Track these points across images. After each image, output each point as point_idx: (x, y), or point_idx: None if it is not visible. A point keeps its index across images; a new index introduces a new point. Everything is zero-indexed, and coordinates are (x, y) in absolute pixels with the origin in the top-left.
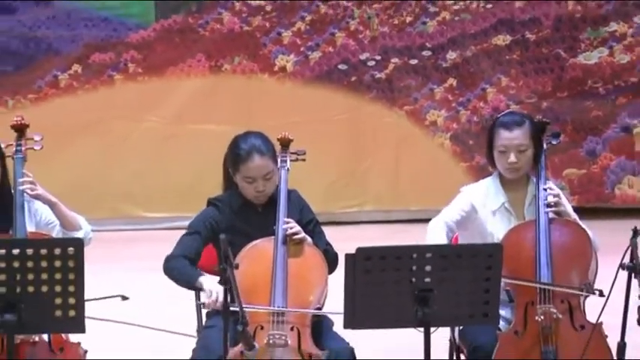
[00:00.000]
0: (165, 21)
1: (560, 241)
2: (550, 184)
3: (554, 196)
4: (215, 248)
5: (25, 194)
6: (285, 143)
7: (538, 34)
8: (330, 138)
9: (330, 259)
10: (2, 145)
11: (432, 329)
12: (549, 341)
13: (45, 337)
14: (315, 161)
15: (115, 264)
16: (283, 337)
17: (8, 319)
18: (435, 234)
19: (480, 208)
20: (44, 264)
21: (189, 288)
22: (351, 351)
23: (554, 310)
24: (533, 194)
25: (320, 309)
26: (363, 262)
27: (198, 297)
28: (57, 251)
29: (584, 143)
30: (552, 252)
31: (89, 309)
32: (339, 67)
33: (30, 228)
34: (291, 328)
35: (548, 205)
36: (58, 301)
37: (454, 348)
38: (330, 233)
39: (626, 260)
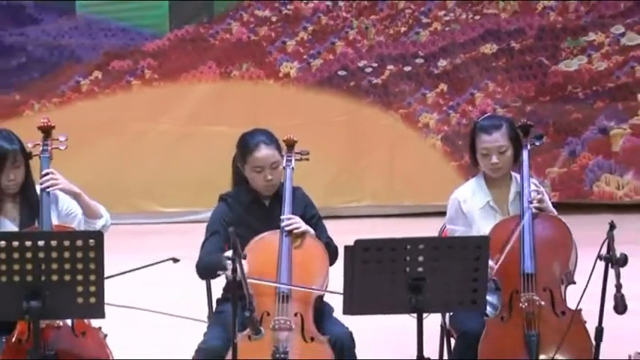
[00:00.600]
0: (178, 31)
1: (543, 234)
2: (533, 181)
3: (538, 193)
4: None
5: (48, 189)
6: (291, 144)
7: (522, 43)
8: (331, 139)
9: (331, 251)
10: (29, 145)
11: (425, 315)
12: (532, 326)
13: (68, 322)
14: (316, 160)
15: (133, 254)
16: (288, 323)
17: (34, 306)
18: None
19: (467, 207)
20: (67, 255)
21: (224, 269)
22: (350, 335)
23: (537, 298)
24: (516, 191)
25: (322, 298)
26: (361, 253)
27: (209, 287)
28: (79, 243)
29: (565, 144)
30: (536, 244)
31: (111, 294)
32: (339, 73)
33: (52, 217)
34: (295, 314)
35: (532, 202)
36: (80, 289)
37: (445, 333)
38: (330, 226)
39: (604, 252)
